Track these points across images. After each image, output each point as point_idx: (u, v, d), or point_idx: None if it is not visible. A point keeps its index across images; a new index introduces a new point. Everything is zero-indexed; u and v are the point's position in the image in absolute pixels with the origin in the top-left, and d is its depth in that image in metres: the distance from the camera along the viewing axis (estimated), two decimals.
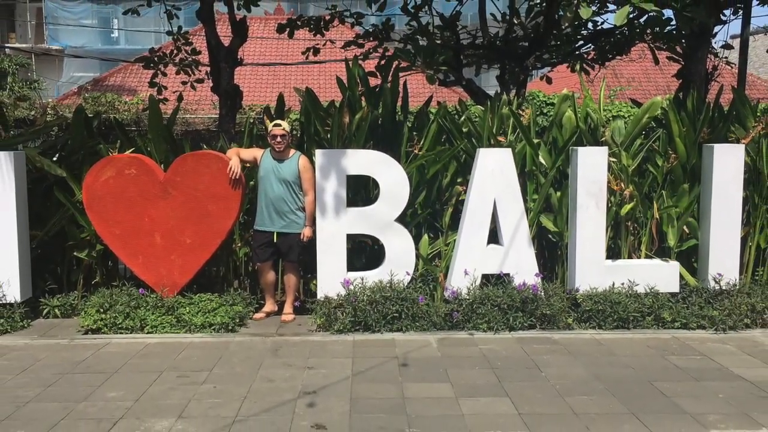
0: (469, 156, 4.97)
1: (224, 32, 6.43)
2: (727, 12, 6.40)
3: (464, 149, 5.03)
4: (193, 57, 7.34)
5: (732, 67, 7.62)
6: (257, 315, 4.82)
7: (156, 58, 7.20)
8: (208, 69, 6.50)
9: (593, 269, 4.68)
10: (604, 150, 4.72)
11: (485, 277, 4.72)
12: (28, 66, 20.10)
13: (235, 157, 4.71)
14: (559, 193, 4.93)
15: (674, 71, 6.49)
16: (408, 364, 3.88)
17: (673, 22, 5.65)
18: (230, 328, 4.50)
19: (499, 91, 6.53)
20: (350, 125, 4.99)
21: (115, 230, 4.70)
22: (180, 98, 6.85)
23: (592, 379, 3.62)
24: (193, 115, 13.28)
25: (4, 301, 4.58)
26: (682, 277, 4.80)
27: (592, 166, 4.65)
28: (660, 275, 4.71)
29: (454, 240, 4.84)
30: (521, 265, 4.67)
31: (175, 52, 7.32)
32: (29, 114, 11.38)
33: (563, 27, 6.44)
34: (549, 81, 8.00)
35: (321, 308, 4.58)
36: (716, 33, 6.37)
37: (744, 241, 4.98)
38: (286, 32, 7.29)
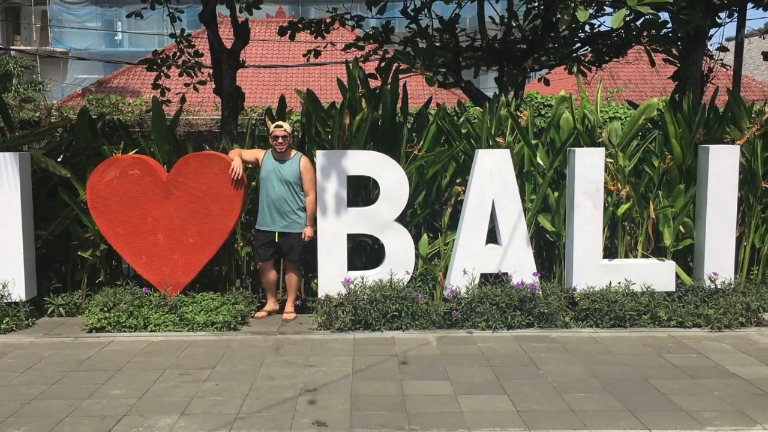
0: (468, 157, 5.02)
1: (226, 35, 6.48)
2: (722, 15, 6.44)
3: (463, 150, 5.08)
4: (196, 59, 7.40)
5: (727, 69, 7.66)
6: (259, 314, 4.87)
7: (159, 61, 7.25)
8: (211, 71, 6.55)
9: (590, 268, 4.73)
10: (601, 151, 4.77)
11: (484, 276, 4.77)
12: (32, 68, 20.21)
13: (237, 157, 4.77)
14: (556, 194, 4.98)
15: (670, 73, 6.53)
16: (408, 362, 3.93)
17: (669, 25, 5.70)
18: (232, 326, 4.55)
19: (497, 93, 6.58)
20: (351, 126, 5.05)
21: (119, 230, 4.76)
22: (183, 100, 6.91)
23: (589, 377, 3.66)
24: (196, 117, 13.33)
25: (9, 300, 4.63)
26: (678, 276, 4.85)
27: (589, 166, 4.70)
28: (656, 274, 4.76)
29: (453, 240, 4.89)
30: (519, 264, 4.72)
31: (178, 54, 7.38)
32: (34, 115, 11.45)
33: (561, 30, 6.47)
34: (547, 83, 8.05)
35: (322, 307, 4.62)
36: (712, 35, 6.43)
37: (739, 240, 5.03)
38: (288, 35, 7.35)
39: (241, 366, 3.87)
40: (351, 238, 4.87)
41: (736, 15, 6.67)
